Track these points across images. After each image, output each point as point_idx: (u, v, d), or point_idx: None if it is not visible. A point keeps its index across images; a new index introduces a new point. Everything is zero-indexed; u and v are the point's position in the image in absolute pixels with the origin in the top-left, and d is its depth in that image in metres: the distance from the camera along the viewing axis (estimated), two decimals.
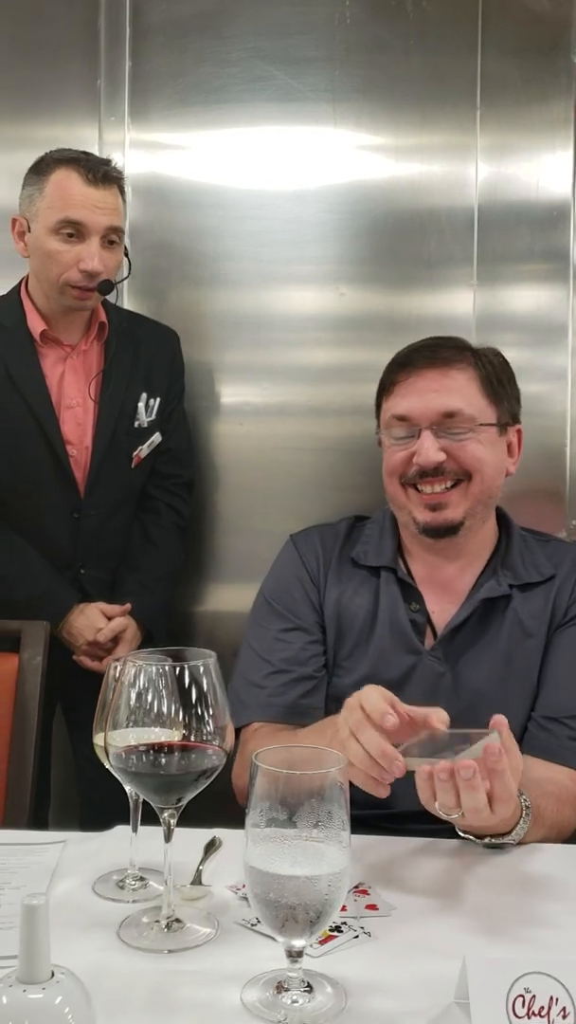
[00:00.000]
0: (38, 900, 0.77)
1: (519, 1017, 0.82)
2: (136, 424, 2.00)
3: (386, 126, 2.09)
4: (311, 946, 0.96)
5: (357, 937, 1.01)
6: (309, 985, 0.90)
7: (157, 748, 0.99)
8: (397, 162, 2.09)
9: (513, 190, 2.09)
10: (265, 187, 2.05)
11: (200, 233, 2.11)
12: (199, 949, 0.98)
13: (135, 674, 0.99)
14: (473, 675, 1.47)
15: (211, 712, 0.99)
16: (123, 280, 1.99)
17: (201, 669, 0.99)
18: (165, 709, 0.98)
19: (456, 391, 1.49)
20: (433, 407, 1.48)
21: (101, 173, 1.86)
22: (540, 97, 2.05)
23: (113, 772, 1.02)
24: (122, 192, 1.91)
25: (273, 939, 0.90)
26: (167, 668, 0.99)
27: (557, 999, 0.83)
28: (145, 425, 2.01)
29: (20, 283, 2.00)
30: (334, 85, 2.06)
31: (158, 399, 2.02)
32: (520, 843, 1.21)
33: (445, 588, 1.53)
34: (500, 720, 1.14)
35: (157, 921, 1.02)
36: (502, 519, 1.60)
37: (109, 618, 1.97)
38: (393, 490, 1.53)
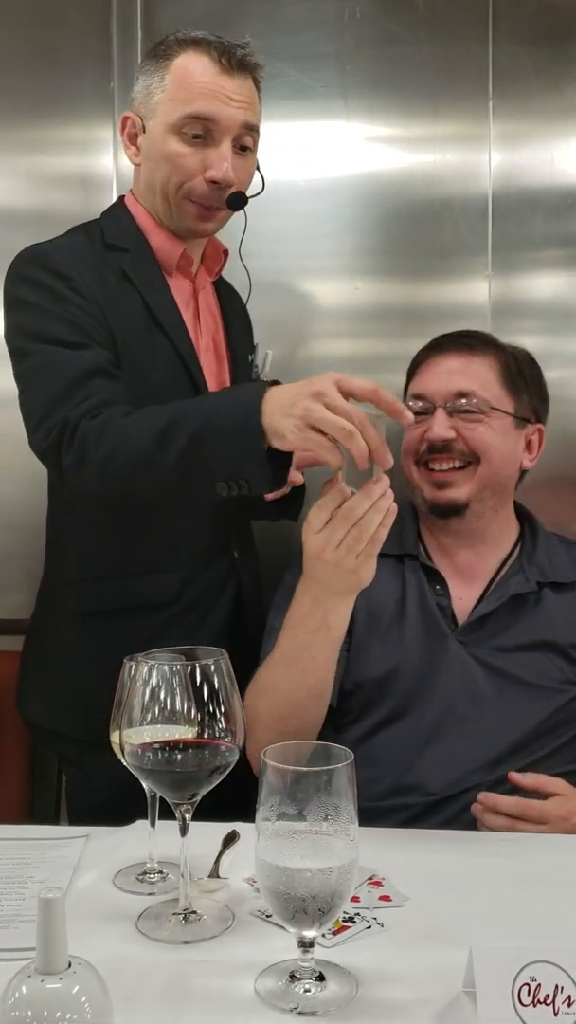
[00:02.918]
0: (54, 893, 0.80)
1: (525, 1005, 0.84)
2: (256, 375, 1.69)
3: (398, 118, 2.09)
4: (324, 936, 0.99)
5: (370, 927, 1.03)
6: (321, 974, 0.92)
7: (171, 745, 1.01)
8: (410, 153, 2.09)
9: (527, 178, 2.09)
10: (279, 183, 2.04)
11: None
12: (215, 940, 1.01)
13: (148, 673, 1.01)
14: (502, 662, 1.50)
15: (223, 709, 1.01)
16: (256, 195, 1.65)
17: (212, 667, 1.02)
18: (178, 707, 1.01)
19: (474, 375, 1.56)
20: (448, 387, 1.56)
21: (238, 58, 1.52)
22: (552, 86, 2.04)
23: (129, 769, 1.05)
24: (257, 86, 1.59)
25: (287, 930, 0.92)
26: (179, 667, 1.01)
27: (562, 987, 0.85)
28: (267, 379, 1.64)
29: (119, 200, 1.70)
30: (345, 80, 2.07)
31: (268, 353, 1.71)
32: None
33: (465, 575, 1.56)
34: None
35: (175, 913, 1.04)
36: (526, 516, 1.63)
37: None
38: (407, 470, 1.60)
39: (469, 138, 2.08)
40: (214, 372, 1.68)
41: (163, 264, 1.63)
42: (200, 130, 1.53)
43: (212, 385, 1.65)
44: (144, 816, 1.18)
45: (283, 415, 1.23)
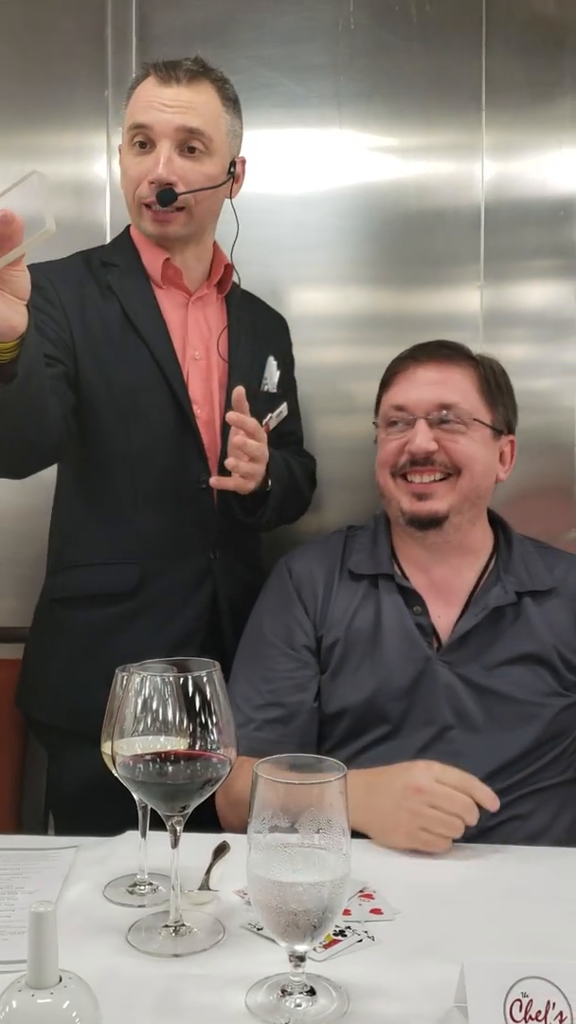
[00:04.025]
0: (45, 907, 0.79)
1: (517, 1021, 0.84)
2: (264, 388, 1.77)
3: (391, 128, 2.09)
4: (315, 950, 0.99)
5: (361, 941, 1.03)
6: (312, 989, 0.92)
7: (163, 757, 1.01)
8: (403, 163, 2.10)
9: (519, 188, 2.10)
10: (272, 193, 2.06)
11: None
12: (205, 953, 1.00)
13: (140, 683, 1.01)
14: (489, 680, 1.48)
15: (215, 720, 1.01)
16: (201, 190, 1.65)
17: (205, 678, 1.01)
18: (170, 718, 1.00)
19: (454, 385, 1.54)
20: (429, 398, 1.53)
21: (174, 68, 1.63)
22: (545, 96, 2.06)
23: (121, 780, 1.05)
24: (221, 90, 1.67)
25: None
26: (171, 678, 1.01)
27: (554, 1003, 0.84)
28: (274, 390, 1.78)
29: (128, 225, 1.80)
30: (339, 90, 2.07)
31: (281, 370, 1.82)
32: None
33: (443, 591, 1.54)
34: None
35: (166, 926, 1.04)
36: (499, 525, 1.62)
37: None
38: (384, 481, 1.57)
39: (462, 148, 2.09)
40: (203, 378, 1.72)
41: (152, 277, 1.72)
42: (143, 138, 1.63)
43: (196, 390, 1.71)
44: (119, 813, 1.18)
45: None
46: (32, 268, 1.63)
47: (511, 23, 2.04)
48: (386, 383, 1.61)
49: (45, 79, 2.12)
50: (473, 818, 1.23)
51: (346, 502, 2.07)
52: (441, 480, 1.52)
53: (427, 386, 1.54)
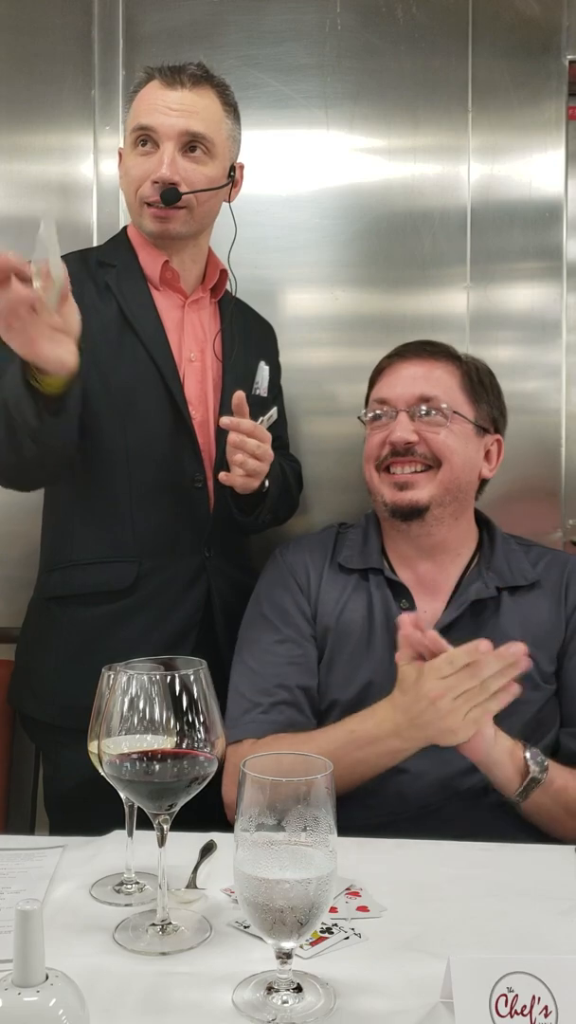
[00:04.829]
0: (32, 905, 0.79)
1: (502, 1016, 0.84)
2: (256, 392, 1.79)
3: (379, 130, 2.10)
4: (302, 947, 0.99)
5: (348, 938, 1.03)
6: (299, 986, 0.92)
7: (150, 755, 1.01)
8: (390, 164, 2.11)
9: (505, 190, 2.11)
10: (260, 193, 2.06)
11: None
12: (192, 951, 1.00)
13: (127, 682, 1.01)
14: None
15: (202, 719, 1.01)
16: (203, 191, 1.68)
17: (192, 677, 1.02)
18: (157, 716, 1.00)
19: (436, 380, 1.58)
20: (411, 391, 1.57)
21: (179, 72, 1.67)
22: (531, 99, 2.07)
23: (107, 779, 1.05)
24: (222, 96, 1.71)
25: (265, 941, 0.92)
26: (158, 676, 1.01)
27: (539, 998, 0.85)
28: (264, 395, 1.80)
29: (125, 226, 1.83)
30: (326, 91, 2.08)
31: (271, 376, 1.85)
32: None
33: (430, 588, 1.57)
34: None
35: (153, 924, 1.04)
36: (484, 524, 1.65)
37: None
38: (369, 475, 1.60)
39: (448, 150, 2.10)
40: (198, 379, 1.75)
41: (150, 278, 1.74)
42: (146, 139, 1.67)
43: (191, 391, 1.73)
44: (114, 811, 1.18)
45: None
46: None
47: (497, 25, 2.06)
48: (373, 381, 1.65)
49: (32, 79, 2.12)
50: (493, 668, 1.25)
51: (333, 503, 2.08)
52: (422, 472, 1.55)
53: (410, 380, 1.58)
